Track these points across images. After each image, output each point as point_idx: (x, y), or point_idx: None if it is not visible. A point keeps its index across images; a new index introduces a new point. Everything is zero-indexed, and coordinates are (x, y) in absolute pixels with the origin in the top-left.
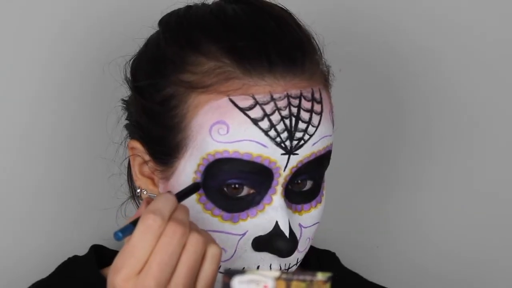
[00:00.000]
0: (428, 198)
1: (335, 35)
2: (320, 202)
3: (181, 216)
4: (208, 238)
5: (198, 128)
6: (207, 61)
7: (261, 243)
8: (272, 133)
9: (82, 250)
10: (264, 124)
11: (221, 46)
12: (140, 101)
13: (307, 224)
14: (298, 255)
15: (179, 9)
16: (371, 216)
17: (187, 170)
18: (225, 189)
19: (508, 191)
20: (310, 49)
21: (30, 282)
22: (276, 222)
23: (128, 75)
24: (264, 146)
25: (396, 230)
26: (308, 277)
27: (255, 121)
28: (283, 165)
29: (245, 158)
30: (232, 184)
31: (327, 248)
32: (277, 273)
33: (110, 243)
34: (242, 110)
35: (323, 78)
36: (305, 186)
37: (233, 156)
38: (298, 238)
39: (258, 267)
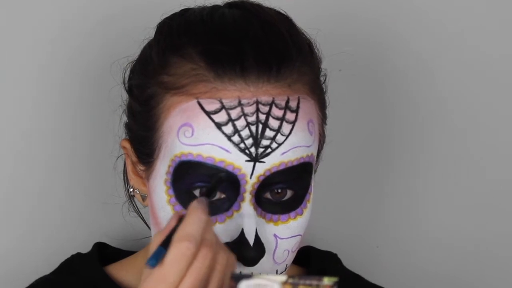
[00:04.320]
0: (428, 197)
1: (336, 36)
2: (301, 215)
3: (210, 236)
4: (227, 250)
5: (169, 129)
6: (185, 63)
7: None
8: (236, 138)
9: (85, 248)
10: (228, 129)
11: (200, 49)
12: (129, 101)
13: (284, 235)
14: (276, 266)
15: (176, 12)
16: (371, 216)
17: (160, 171)
18: (195, 192)
19: (509, 189)
20: (294, 56)
21: (33, 278)
22: (242, 229)
23: (126, 76)
24: (227, 151)
25: (396, 230)
26: (314, 282)
27: (218, 125)
28: (248, 172)
29: (208, 162)
30: (202, 187)
31: (327, 248)
32: (283, 278)
33: (113, 241)
34: (208, 113)
35: (308, 88)
36: (285, 196)
37: (197, 159)
38: (272, 249)
39: None
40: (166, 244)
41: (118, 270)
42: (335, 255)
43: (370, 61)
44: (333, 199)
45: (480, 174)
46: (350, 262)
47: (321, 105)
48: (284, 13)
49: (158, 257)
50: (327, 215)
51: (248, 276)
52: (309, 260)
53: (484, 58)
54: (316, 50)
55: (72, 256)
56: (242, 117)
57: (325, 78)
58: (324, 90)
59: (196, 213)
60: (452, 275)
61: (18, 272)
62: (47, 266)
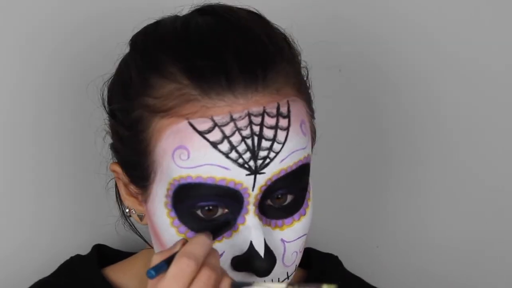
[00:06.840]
0: (428, 197)
1: (336, 36)
2: (304, 215)
3: (214, 261)
4: (230, 278)
5: (163, 153)
6: (168, 83)
7: (239, 263)
8: (233, 155)
9: (86, 249)
10: (224, 146)
11: (181, 66)
12: (114, 125)
13: (291, 238)
14: (286, 269)
15: (147, 27)
16: (371, 216)
17: (159, 195)
18: (198, 212)
19: (509, 190)
20: (277, 59)
21: (32, 281)
22: (251, 242)
23: (105, 97)
24: (227, 168)
25: (396, 230)
26: None
27: (214, 144)
28: (250, 185)
29: (209, 182)
30: (204, 206)
31: (327, 249)
32: (283, 285)
33: (112, 243)
34: (201, 133)
35: (295, 89)
36: (286, 200)
37: (197, 181)
38: (281, 254)
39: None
40: (169, 260)
41: (115, 272)
42: (336, 257)
43: (370, 61)
44: (333, 199)
45: (480, 174)
46: (350, 262)
47: (309, 102)
48: (256, 10)
49: (158, 270)
50: (327, 215)
51: (248, 284)
52: (310, 262)
53: (481, 61)
54: (292, 43)
55: (71, 258)
56: (237, 132)
57: (307, 72)
58: (308, 85)
59: (201, 236)
60: (452, 275)
61: (17, 275)
62: (47, 268)
